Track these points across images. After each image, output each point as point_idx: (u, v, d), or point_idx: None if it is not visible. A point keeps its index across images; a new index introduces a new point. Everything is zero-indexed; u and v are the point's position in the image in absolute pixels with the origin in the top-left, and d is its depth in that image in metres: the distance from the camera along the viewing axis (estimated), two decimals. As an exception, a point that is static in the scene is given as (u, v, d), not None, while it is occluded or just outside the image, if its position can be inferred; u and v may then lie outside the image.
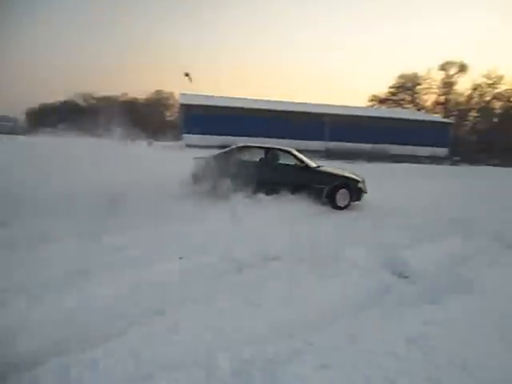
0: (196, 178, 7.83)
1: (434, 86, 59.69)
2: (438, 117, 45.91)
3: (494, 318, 3.18)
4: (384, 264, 4.37)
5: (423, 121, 35.38)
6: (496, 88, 57.22)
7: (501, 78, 55.96)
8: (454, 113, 58.44)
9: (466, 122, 57.87)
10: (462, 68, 57.64)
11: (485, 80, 56.94)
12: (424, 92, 60.53)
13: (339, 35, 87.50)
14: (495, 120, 55.90)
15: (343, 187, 8.08)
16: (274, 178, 8.03)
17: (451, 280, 3.88)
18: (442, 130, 34.63)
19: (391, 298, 3.51)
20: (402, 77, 59.71)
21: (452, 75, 58.61)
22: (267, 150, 8.42)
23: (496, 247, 5.55)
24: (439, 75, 59.20)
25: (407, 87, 60.32)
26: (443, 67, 58.30)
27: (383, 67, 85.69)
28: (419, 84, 60.16)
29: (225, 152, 8.39)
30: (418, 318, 3.06)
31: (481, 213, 8.17)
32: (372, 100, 59.83)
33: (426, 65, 64.27)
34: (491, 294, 3.63)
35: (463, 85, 58.63)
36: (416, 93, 60.42)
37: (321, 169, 8.65)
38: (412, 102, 60.21)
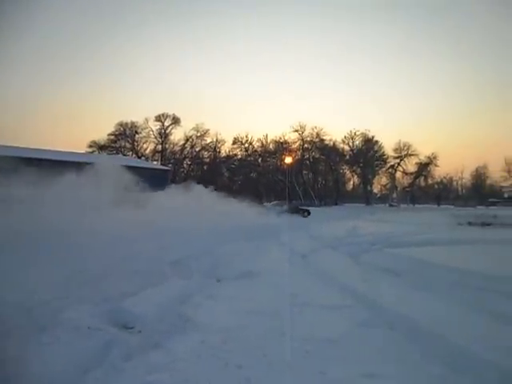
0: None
1: (152, 136, 63.96)
2: (157, 164, 49.23)
3: (215, 351, 3.46)
4: (108, 317, 4.16)
5: (146, 168, 37.34)
6: (204, 140, 66.16)
7: (207, 131, 65.13)
8: (171, 161, 64.01)
9: (182, 169, 64.19)
10: (175, 120, 64.09)
11: (195, 133, 65.01)
12: (143, 140, 63.97)
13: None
14: (205, 168, 64.34)
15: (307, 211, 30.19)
16: (296, 211, 29.38)
17: (173, 321, 4.06)
18: (161, 177, 37.35)
19: (116, 353, 3.33)
20: (120, 125, 61.29)
21: (167, 127, 64.27)
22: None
23: (211, 282, 6.23)
24: (156, 126, 63.87)
25: (127, 135, 62.33)
26: (159, 118, 63.36)
27: (102, 114, 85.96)
28: (138, 133, 63.19)
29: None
30: (142, 369, 3.02)
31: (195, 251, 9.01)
32: (91, 146, 58.68)
33: (143, 115, 68.54)
34: (205, 328, 3.99)
35: (177, 136, 65.09)
36: (136, 141, 63.11)
37: (303, 207, 32.16)
38: (132, 149, 62.47)
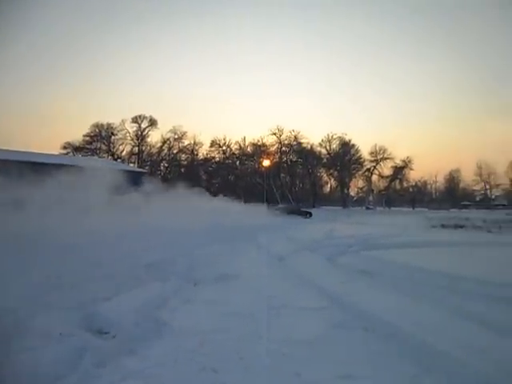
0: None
1: (129, 138, 63.12)
2: (133, 167, 48.53)
3: (192, 356, 3.43)
4: (82, 323, 4.06)
5: (122, 170, 36.74)
6: (182, 142, 65.69)
7: (185, 133, 64.71)
8: (148, 163, 63.33)
9: (159, 172, 63.56)
10: (152, 122, 63.46)
11: (172, 135, 64.50)
12: (120, 142, 63.08)
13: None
14: (182, 170, 63.84)
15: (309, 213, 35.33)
16: (295, 212, 34.71)
17: (148, 326, 4.01)
18: (137, 179, 36.86)
19: (89, 360, 3.26)
20: (96, 126, 60.28)
21: (144, 128, 63.56)
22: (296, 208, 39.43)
23: (188, 286, 6.18)
24: (132, 127, 63.08)
25: (103, 136, 61.34)
26: (135, 120, 62.62)
27: (76, 115, 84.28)
28: (114, 134, 62.27)
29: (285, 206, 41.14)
30: (116, 375, 2.97)
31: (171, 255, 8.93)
32: (66, 147, 57.47)
33: (120, 116, 67.60)
34: (181, 333, 3.97)
35: (154, 138, 64.45)
36: (112, 142, 62.17)
37: (303, 209, 37.53)
38: (108, 151, 61.50)
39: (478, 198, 77.49)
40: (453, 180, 77.37)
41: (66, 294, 5.12)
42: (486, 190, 76.60)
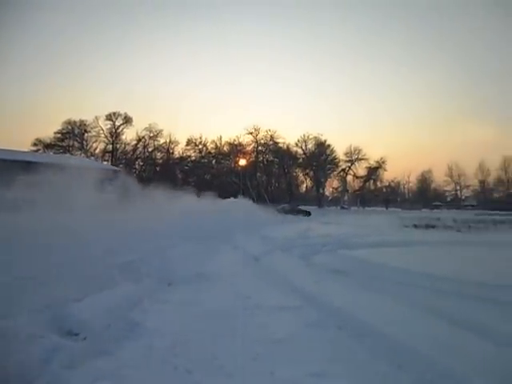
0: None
1: (102, 135, 61.94)
2: (108, 165, 47.63)
3: (165, 357, 3.39)
4: (51, 324, 3.96)
5: (95, 168, 35.96)
6: (157, 140, 64.92)
7: (160, 131, 63.96)
8: (123, 161, 62.29)
9: (134, 170, 62.61)
10: (127, 120, 62.46)
11: (147, 133, 63.65)
12: (93, 140, 61.81)
13: None
14: (158, 169, 63.11)
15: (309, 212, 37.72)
16: (294, 211, 36.60)
17: (121, 327, 3.94)
18: (112, 177, 36.21)
19: (58, 362, 3.18)
20: (68, 123, 58.86)
21: (119, 126, 62.47)
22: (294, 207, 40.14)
23: (162, 286, 6.11)
24: (106, 125, 61.91)
25: (76, 134, 59.97)
26: (109, 117, 61.50)
27: (47, 111, 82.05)
28: (87, 131, 60.99)
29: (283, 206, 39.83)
30: (86, 377, 2.90)
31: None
32: (36, 144, 55.86)
33: (93, 113, 66.13)
34: (154, 334, 3.92)
35: (129, 136, 63.43)
36: (85, 140, 60.86)
37: (302, 208, 40.35)
38: (81, 148, 60.19)
39: (448, 199, 79.74)
40: (425, 181, 79.39)
41: (36, 295, 4.97)
42: (457, 190, 78.97)
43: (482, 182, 76.00)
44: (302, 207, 42.02)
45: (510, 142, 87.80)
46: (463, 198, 78.84)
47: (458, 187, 78.27)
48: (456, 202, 75.68)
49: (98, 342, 3.62)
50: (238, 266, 8.33)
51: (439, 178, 78.74)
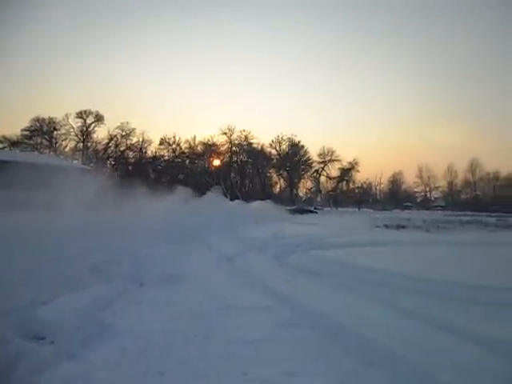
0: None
1: (73, 133, 60.47)
2: (78, 163, 46.48)
3: (136, 359, 3.32)
4: (18, 328, 3.82)
5: (64, 167, 34.97)
6: (130, 139, 63.89)
7: (133, 130, 63.00)
8: (94, 160, 60.96)
9: (105, 169, 61.34)
10: (99, 118, 61.22)
11: (119, 132, 62.55)
12: (63, 138, 60.27)
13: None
14: (130, 168, 62.07)
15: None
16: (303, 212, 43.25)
17: (91, 329, 3.85)
18: (82, 176, 35.27)
19: (24, 367, 3.07)
20: (37, 120, 57.12)
21: (90, 124, 61.15)
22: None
23: (134, 287, 6.00)
24: (77, 123, 60.48)
25: (44, 131, 58.29)
26: (80, 115, 60.11)
27: (13, 108, 79.28)
28: (57, 129, 59.39)
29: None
30: (53, 382, 2.83)
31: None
32: (1, 142, 53.95)
33: (64, 110, 64.25)
34: (125, 335, 3.84)
35: (101, 134, 62.12)
36: (54, 138, 59.25)
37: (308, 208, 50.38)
38: (50, 146, 58.57)
39: (418, 200, 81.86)
40: (396, 182, 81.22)
41: (2, 298, 4.79)
42: (427, 191, 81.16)
43: (450, 184, 78.43)
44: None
45: (477, 145, 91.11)
46: (432, 199, 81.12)
47: (428, 188, 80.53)
48: (426, 203, 77.74)
49: (66, 345, 3.52)
50: (213, 266, 8.28)
51: (410, 180, 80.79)
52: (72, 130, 60.16)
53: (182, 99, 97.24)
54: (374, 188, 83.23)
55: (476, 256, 10.57)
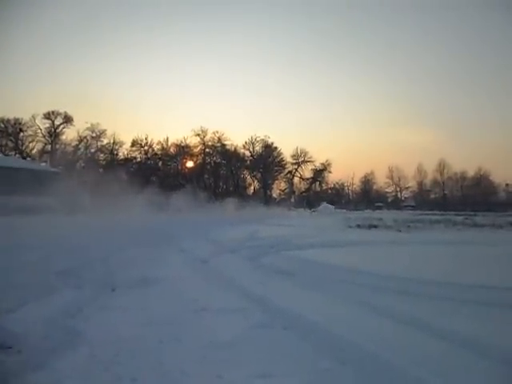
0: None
1: (40, 135, 58.75)
2: (45, 166, 45.15)
3: (107, 365, 3.25)
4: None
5: (30, 169, 33.90)
6: (100, 141, 62.61)
7: (103, 132, 61.76)
8: (63, 162, 59.34)
9: (75, 172, 59.84)
10: (67, 119, 59.73)
11: (89, 133, 61.20)
12: (30, 139, 58.47)
13: None
14: (101, 170, 60.74)
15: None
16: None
17: (59, 338, 3.74)
18: (50, 179, 34.23)
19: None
20: (1, 121, 55.23)
21: (58, 125, 59.58)
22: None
23: (104, 292, 5.88)
24: (44, 124, 58.80)
25: (9, 133, 56.37)
26: (48, 116, 58.47)
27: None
28: (23, 131, 57.53)
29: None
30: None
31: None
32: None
33: (31, 111, 62.02)
34: (96, 342, 3.76)
35: (70, 136, 60.53)
36: (20, 139, 57.38)
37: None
38: (16, 148, 56.68)
39: (389, 200, 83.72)
40: (367, 182, 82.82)
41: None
42: (397, 192, 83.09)
43: (420, 184, 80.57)
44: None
45: (446, 146, 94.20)
46: (403, 198, 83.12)
47: (398, 189, 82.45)
48: (396, 203, 79.59)
49: (34, 354, 3.41)
50: (186, 269, 8.21)
51: (381, 180, 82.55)
52: (39, 131, 58.49)
53: (154, 100, 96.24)
54: (346, 188, 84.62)
55: (441, 254, 10.96)
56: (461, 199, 74.59)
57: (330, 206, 65.48)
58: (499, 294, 5.81)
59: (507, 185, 77.28)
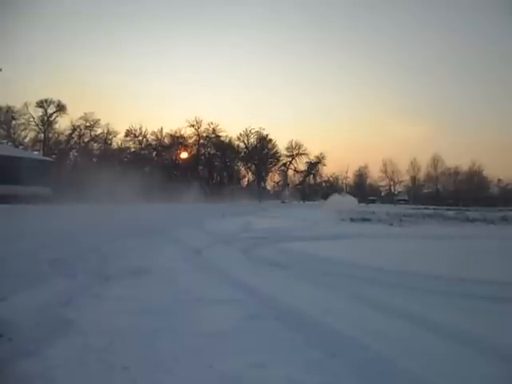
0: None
1: (33, 123, 58.11)
2: (37, 154, 44.76)
3: (100, 355, 3.25)
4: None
5: (22, 158, 33.49)
6: (94, 130, 62.05)
7: (97, 121, 61.18)
8: (56, 151, 58.85)
9: (68, 161, 59.44)
10: (61, 108, 59.07)
11: (83, 122, 60.61)
12: (22, 128, 57.83)
13: None
14: (94, 160, 60.31)
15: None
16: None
17: (51, 326, 3.74)
18: (42, 169, 33.88)
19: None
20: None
21: (51, 114, 58.93)
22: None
23: (98, 281, 5.87)
24: (37, 112, 58.13)
25: (1, 121, 55.72)
26: (41, 104, 57.79)
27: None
28: (15, 118, 56.86)
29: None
30: (11, 381, 2.75)
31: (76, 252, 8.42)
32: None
33: (23, 99, 61.14)
34: (89, 331, 3.75)
35: (63, 124, 59.86)
36: (12, 128, 56.75)
37: None
38: (8, 136, 56.06)
39: (383, 194, 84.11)
40: (361, 176, 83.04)
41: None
42: (391, 185, 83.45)
43: (414, 178, 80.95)
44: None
45: (439, 141, 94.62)
46: (396, 192, 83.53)
47: (392, 183, 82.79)
48: (390, 197, 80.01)
49: (25, 342, 3.41)
50: (180, 259, 8.21)
51: (375, 174, 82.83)
52: (32, 119, 57.82)
53: (148, 91, 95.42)
54: (340, 182, 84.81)
55: (430, 249, 11.08)
56: (453, 194, 75.13)
57: (350, 197, 54.02)
58: (477, 287, 5.93)
59: (499, 180, 78.01)
